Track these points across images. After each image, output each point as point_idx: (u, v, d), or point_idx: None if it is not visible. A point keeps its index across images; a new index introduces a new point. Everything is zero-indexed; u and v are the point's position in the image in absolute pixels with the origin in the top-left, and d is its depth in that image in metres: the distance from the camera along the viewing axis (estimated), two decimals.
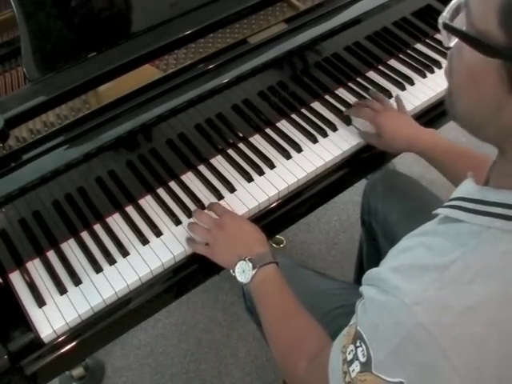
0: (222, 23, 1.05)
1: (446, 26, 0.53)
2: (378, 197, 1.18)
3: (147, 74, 0.97)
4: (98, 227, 0.99)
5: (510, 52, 0.47)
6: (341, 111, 1.15)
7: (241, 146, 1.09)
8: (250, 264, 0.86)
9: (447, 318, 0.52)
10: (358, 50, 1.19)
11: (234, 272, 0.88)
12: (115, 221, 1.00)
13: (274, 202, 1.03)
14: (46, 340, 0.86)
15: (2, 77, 1.00)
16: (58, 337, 0.87)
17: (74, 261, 0.94)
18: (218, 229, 0.92)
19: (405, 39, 1.28)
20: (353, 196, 1.92)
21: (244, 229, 0.92)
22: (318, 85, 1.17)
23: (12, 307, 0.89)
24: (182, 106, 0.96)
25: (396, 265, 0.59)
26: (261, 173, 1.05)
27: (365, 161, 1.12)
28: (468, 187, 0.60)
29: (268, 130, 1.12)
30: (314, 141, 1.10)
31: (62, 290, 0.90)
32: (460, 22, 0.52)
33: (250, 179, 1.04)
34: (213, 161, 1.08)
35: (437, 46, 1.29)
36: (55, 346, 0.87)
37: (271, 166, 1.05)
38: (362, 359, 0.57)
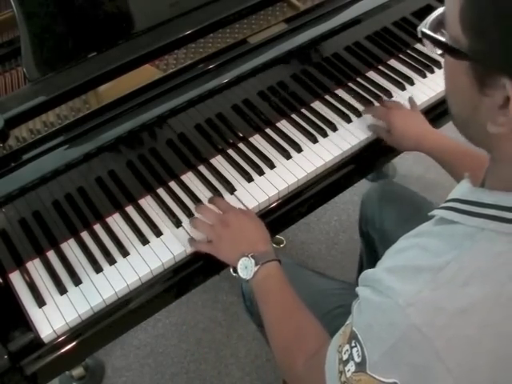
0: (222, 23, 1.05)
1: (423, 34, 0.57)
2: (375, 205, 1.19)
3: (147, 74, 0.97)
4: (98, 227, 0.99)
5: (473, 54, 0.50)
6: (341, 111, 1.15)
7: (241, 145, 1.09)
8: (253, 261, 0.86)
9: (441, 319, 0.52)
10: (358, 49, 1.19)
11: (235, 270, 0.88)
12: (115, 221, 1.00)
13: (274, 202, 1.03)
14: (46, 340, 0.86)
15: (2, 77, 1.00)
16: (58, 337, 0.87)
17: (74, 261, 0.94)
18: (223, 226, 0.92)
19: (405, 39, 1.28)
20: (353, 196, 1.92)
21: (248, 226, 0.92)
22: (318, 85, 1.17)
23: (12, 307, 0.89)
24: (182, 106, 0.96)
25: (391, 265, 0.59)
26: (261, 173, 1.05)
27: (365, 161, 1.12)
28: (463, 188, 0.61)
29: (268, 130, 1.12)
30: (314, 141, 1.10)
31: (62, 290, 0.90)
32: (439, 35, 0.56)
33: (250, 179, 1.04)
34: (213, 161, 1.08)
35: None
36: (55, 346, 0.87)
37: (271, 166, 1.05)
38: (357, 359, 0.58)
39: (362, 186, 1.82)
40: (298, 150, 1.08)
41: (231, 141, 1.09)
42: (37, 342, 0.85)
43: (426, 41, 0.58)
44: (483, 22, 0.48)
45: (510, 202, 0.54)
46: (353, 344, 0.59)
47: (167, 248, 0.95)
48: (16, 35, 0.99)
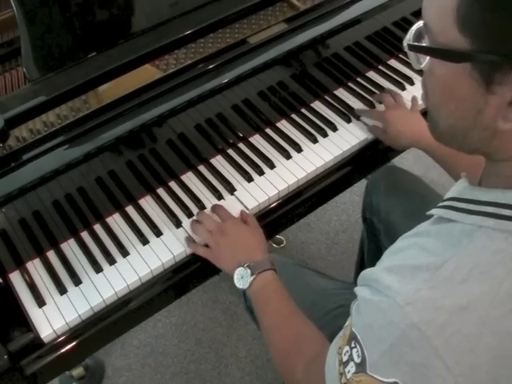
0: (222, 23, 1.05)
1: (412, 47, 0.56)
2: (380, 194, 1.18)
3: (147, 74, 0.97)
4: (98, 227, 0.99)
5: (476, 54, 0.50)
6: (341, 111, 1.15)
7: (241, 145, 1.09)
8: (249, 270, 0.87)
9: (440, 317, 0.52)
10: (358, 49, 1.19)
11: (233, 277, 0.89)
12: (115, 221, 1.00)
13: (274, 202, 1.03)
14: (45, 340, 0.86)
15: (2, 77, 1.00)
16: (58, 337, 0.87)
17: (74, 261, 0.94)
18: (221, 234, 0.92)
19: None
20: (353, 196, 1.92)
21: (245, 236, 0.93)
22: (318, 85, 1.17)
23: (12, 307, 0.89)
24: (182, 106, 0.96)
25: (389, 265, 0.59)
26: (261, 173, 1.05)
27: (365, 161, 1.12)
28: (460, 187, 0.61)
29: (268, 130, 1.12)
30: (314, 141, 1.10)
31: (62, 290, 0.90)
32: (425, 44, 0.55)
33: (250, 179, 1.04)
34: (213, 161, 1.08)
35: None
36: (55, 345, 0.87)
37: (271, 166, 1.05)
38: (357, 360, 0.58)
39: (362, 186, 1.82)
40: (298, 150, 1.08)
41: (231, 141, 1.09)
42: (37, 342, 0.85)
43: (411, 54, 0.57)
44: (486, 16, 0.48)
45: (508, 199, 0.54)
46: (352, 345, 0.59)
47: (167, 248, 0.95)
48: (16, 35, 0.99)
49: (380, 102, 1.16)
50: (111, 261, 0.93)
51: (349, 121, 1.14)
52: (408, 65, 1.26)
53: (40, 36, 0.92)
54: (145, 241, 0.96)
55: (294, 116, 1.15)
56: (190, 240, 0.95)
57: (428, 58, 0.56)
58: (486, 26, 0.48)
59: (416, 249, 0.58)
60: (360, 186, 1.79)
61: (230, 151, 1.09)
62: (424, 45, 0.55)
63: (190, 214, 0.99)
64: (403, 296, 0.54)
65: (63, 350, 0.87)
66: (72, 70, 0.95)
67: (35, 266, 0.94)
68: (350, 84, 1.22)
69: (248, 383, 1.53)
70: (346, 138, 1.10)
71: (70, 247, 0.96)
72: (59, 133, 0.89)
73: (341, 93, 1.20)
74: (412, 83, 1.22)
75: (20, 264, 0.93)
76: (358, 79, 1.23)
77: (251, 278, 0.87)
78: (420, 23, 0.56)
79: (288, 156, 1.07)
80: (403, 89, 1.21)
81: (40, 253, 0.95)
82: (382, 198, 1.17)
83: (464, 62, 0.51)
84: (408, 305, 0.53)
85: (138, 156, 0.98)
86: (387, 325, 0.54)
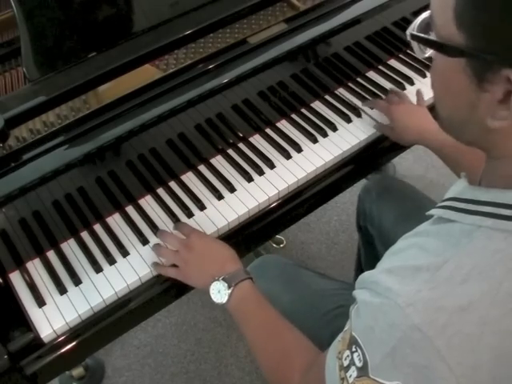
0: (222, 23, 1.05)
1: (414, 36, 0.57)
2: (373, 201, 1.19)
3: (147, 73, 0.97)
4: (97, 227, 0.99)
5: (470, 51, 0.50)
6: (341, 111, 1.15)
7: (241, 145, 1.09)
8: (225, 283, 0.84)
9: (441, 318, 0.52)
10: (358, 49, 1.19)
11: (209, 293, 0.86)
12: (115, 221, 1.00)
13: (273, 202, 1.03)
14: (45, 340, 0.86)
15: (2, 77, 1.00)
16: (58, 337, 0.87)
17: (74, 261, 0.94)
18: (187, 250, 0.89)
19: (405, 39, 1.27)
20: (353, 196, 1.92)
21: (213, 247, 0.90)
22: (318, 85, 1.17)
23: (12, 307, 0.89)
24: (182, 106, 0.96)
25: (389, 267, 0.59)
26: (261, 173, 1.05)
27: (365, 161, 1.12)
28: (460, 187, 0.61)
29: (268, 130, 1.12)
30: (314, 141, 1.10)
31: (62, 290, 0.90)
32: (429, 36, 0.56)
33: (250, 179, 1.04)
34: (213, 161, 1.08)
35: None
36: (55, 345, 0.87)
37: (271, 166, 1.05)
38: (359, 364, 0.57)
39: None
40: (298, 150, 1.08)
41: (231, 141, 1.09)
42: (37, 342, 0.86)
43: (414, 44, 0.59)
44: (479, 16, 0.49)
45: (507, 198, 0.54)
46: (353, 349, 0.58)
47: (167, 248, 0.95)
48: (16, 35, 0.99)
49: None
50: (111, 261, 0.93)
51: (349, 121, 1.14)
52: (408, 65, 1.26)
53: (40, 36, 0.92)
54: (145, 241, 0.96)
55: (294, 116, 1.15)
56: (155, 264, 0.92)
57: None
58: (479, 25, 0.49)
59: (416, 249, 0.58)
60: (360, 186, 1.79)
61: (230, 151, 1.09)
62: (423, 36, 0.56)
63: (189, 214, 0.99)
64: (404, 297, 0.54)
65: (63, 350, 0.87)
66: (72, 70, 0.95)
67: (35, 266, 0.94)
68: (350, 84, 1.22)
69: (248, 383, 1.53)
70: (346, 138, 1.10)
71: (69, 247, 0.96)
72: (59, 133, 0.89)
73: (341, 93, 1.20)
74: (412, 83, 1.22)
75: (20, 264, 0.93)
76: (358, 79, 1.23)
77: (229, 291, 0.84)
78: (427, 13, 0.56)
79: (288, 156, 1.07)
80: (403, 89, 1.21)
81: (40, 253, 0.95)
82: (375, 204, 1.18)
83: (458, 57, 0.52)
84: (409, 306, 0.53)
85: (138, 156, 0.98)
86: (388, 327, 0.54)
